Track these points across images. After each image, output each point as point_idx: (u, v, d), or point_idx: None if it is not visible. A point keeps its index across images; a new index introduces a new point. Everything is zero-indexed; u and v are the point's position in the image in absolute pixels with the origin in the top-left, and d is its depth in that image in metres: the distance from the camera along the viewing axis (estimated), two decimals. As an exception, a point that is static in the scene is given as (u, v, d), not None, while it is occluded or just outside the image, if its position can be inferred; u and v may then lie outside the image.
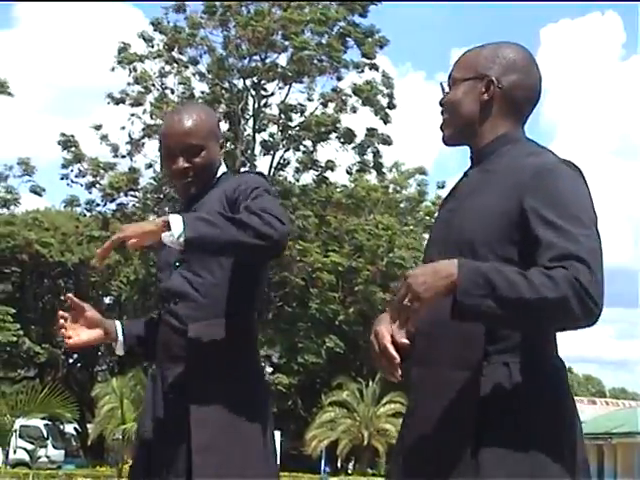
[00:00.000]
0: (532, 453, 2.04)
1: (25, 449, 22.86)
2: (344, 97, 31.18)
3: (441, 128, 2.32)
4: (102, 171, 31.17)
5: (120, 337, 2.88)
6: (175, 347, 2.69)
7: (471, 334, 2.10)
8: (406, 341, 2.13)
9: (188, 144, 2.75)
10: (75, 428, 33.72)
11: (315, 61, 30.62)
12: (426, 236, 33.71)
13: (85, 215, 33.14)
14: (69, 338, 2.84)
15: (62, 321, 2.85)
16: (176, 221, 2.45)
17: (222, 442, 2.59)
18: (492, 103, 2.27)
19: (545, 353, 2.18)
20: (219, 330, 2.67)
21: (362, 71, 31.21)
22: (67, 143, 31.13)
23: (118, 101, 30.80)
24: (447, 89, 2.34)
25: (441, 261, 2.02)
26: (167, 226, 2.45)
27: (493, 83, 2.25)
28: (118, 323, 2.91)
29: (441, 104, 2.32)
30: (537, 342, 2.15)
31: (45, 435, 28.58)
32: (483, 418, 2.06)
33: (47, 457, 27.01)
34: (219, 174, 2.88)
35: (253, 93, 31.49)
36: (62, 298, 35.50)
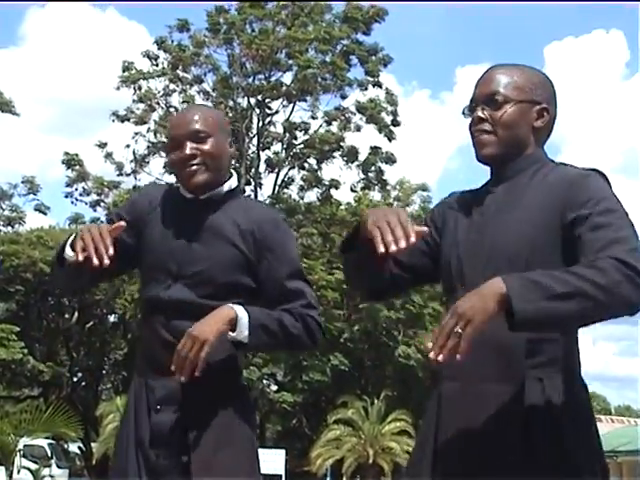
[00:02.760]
0: (570, 466, 2.08)
1: (29, 469, 22.75)
2: (348, 115, 31.26)
3: (482, 143, 2.32)
4: (106, 189, 31.23)
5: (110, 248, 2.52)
6: (165, 361, 2.57)
7: (511, 348, 2.12)
8: (425, 228, 2.17)
9: (195, 130, 2.70)
10: (79, 447, 33.64)
11: (319, 79, 30.72)
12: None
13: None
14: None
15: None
16: (243, 324, 2.53)
17: (222, 459, 2.57)
18: (541, 131, 2.34)
19: (575, 369, 2.22)
20: (214, 347, 2.62)
21: (366, 89, 31.31)
22: (71, 162, 31.22)
23: (123, 119, 30.90)
24: (479, 105, 2.33)
25: (484, 284, 2.00)
26: (234, 324, 2.52)
27: (548, 112, 2.33)
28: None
29: (492, 120, 2.31)
30: (568, 358, 2.18)
31: (49, 454, 28.48)
32: (526, 432, 2.08)
33: (51, 477, 26.87)
34: (231, 185, 2.82)
35: (257, 111, 31.57)
36: (66, 316, 35.58)
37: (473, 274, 2.23)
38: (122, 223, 2.57)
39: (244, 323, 2.52)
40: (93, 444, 33.34)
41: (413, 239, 2.06)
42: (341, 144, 31.17)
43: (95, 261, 2.45)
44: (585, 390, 2.23)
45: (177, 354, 2.48)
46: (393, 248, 2.06)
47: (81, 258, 2.48)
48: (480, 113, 2.31)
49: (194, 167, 2.70)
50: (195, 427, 2.58)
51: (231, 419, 2.63)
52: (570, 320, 2.00)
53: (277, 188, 31.81)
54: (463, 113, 2.39)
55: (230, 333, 2.51)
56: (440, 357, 1.94)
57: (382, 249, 2.06)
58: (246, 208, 2.78)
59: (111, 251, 2.45)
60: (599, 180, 2.22)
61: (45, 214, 33.77)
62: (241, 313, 2.53)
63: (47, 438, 24.92)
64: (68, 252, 2.62)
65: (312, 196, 32.26)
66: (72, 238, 2.63)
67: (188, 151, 2.69)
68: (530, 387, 2.12)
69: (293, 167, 32.06)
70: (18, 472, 22.33)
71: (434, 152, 77.21)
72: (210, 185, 2.74)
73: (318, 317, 2.71)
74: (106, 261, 2.44)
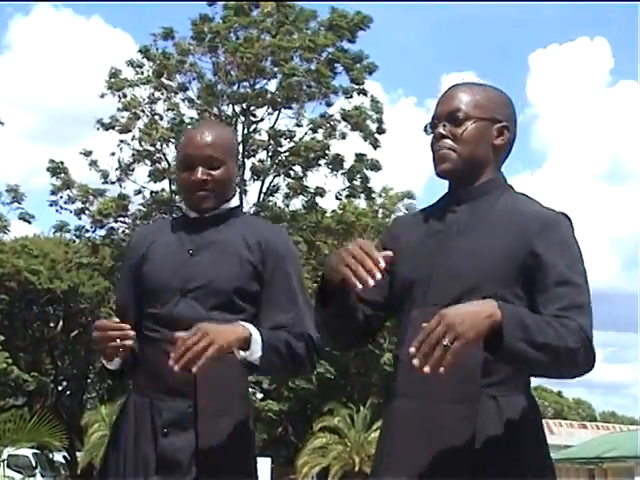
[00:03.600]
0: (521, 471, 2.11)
1: (13, 479, 22.66)
2: (333, 123, 31.27)
3: (442, 157, 2.33)
4: (91, 197, 31.12)
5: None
6: (174, 380, 2.54)
7: (469, 367, 2.12)
8: (389, 252, 2.14)
9: (209, 156, 2.71)
10: (64, 456, 33.51)
11: (304, 87, 30.73)
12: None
13: (74, 241, 33.05)
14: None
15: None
16: (256, 345, 2.52)
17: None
18: (500, 149, 2.35)
19: (526, 387, 2.26)
20: (223, 365, 2.57)
21: (351, 96, 31.33)
22: (56, 170, 31.10)
23: (107, 127, 30.82)
24: (439, 122, 2.35)
25: (476, 302, 2.03)
26: (247, 344, 2.50)
27: (508, 130, 2.35)
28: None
29: (452, 136, 2.32)
30: (520, 376, 2.22)
31: (34, 464, 28.34)
32: (478, 451, 2.10)
33: (36, 486, 26.80)
34: (235, 203, 2.84)
35: (242, 119, 31.55)
36: (51, 325, 35.43)
37: (431, 295, 2.24)
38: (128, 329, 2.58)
39: (257, 344, 2.50)
40: (78, 453, 33.19)
41: (382, 264, 2.06)
42: (326, 152, 31.17)
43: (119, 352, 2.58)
44: (536, 406, 2.27)
45: (181, 341, 2.38)
46: (370, 282, 2.04)
47: (114, 366, 2.67)
48: (441, 130, 2.33)
49: (203, 193, 2.72)
50: (204, 451, 2.53)
51: (238, 441, 2.61)
52: (533, 368, 2.08)
53: (262, 196, 31.79)
54: (425, 130, 2.40)
55: (242, 352, 2.49)
56: (426, 369, 1.92)
57: (359, 285, 2.05)
58: (251, 223, 2.82)
59: (129, 333, 2.55)
60: (569, 228, 2.26)
61: (29, 223, 33.54)
62: (255, 334, 2.51)
63: (32, 448, 24.79)
64: (109, 366, 2.71)
65: (297, 204, 32.27)
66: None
67: (200, 176, 2.71)
68: (484, 405, 2.14)
69: (278, 175, 32.04)
70: (2, 482, 22.23)
71: (420, 159, 77.33)
72: (215, 207, 2.77)
73: (315, 334, 2.64)
74: (129, 342, 2.55)
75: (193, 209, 2.77)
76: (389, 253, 2.14)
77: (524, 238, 2.19)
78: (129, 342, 2.54)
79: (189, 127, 3.63)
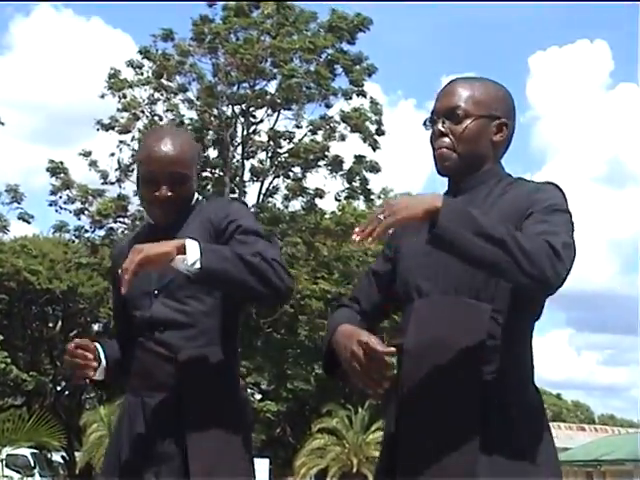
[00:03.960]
0: (527, 465, 2.14)
1: (12, 478, 22.67)
2: (333, 124, 31.28)
3: (442, 157, 2.36)
4: (91, 197, 31.13)
5: (103, 361, 2.80)
6: (161, 375, 2.64)
7: (469, 355, 2.16)
8: (393, 349, 2.17)
9: (175, 172, 2.70)
10: (63, 456, 33.51)
11: (304, 88, 30.74)
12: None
13: (74, 241, 33.07)
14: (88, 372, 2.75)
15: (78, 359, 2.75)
16: (193, 247, 2.44)
17: (221, 471, 2.57)
18: (499, 145, 2.38)
19: (528, 374, 2.29)
20: (209, 357, 2.65)
21: (350, 98, 31.34)
22: (55, 170, 31.11)
23: (107, 128, 30.83)
24: (440, 118, 2.37)
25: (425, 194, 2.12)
26: (182, 249, 2.44)
27: (507, 127, 2.38)
28: (99, 345, 2.80)
29: (452, 134, 2.35)
30: (522, 364, 2.25)
31: (32, 464, 28.33)
32: (483, 435, 2.13)
33: (34, 486, 26.79)
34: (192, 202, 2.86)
35: (242, 120, 31.56)
36: (50, 325, 35.44)
37: (428, 285, 2.29)
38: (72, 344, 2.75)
39: (194, 246, 2.45)
40: (76, 453, 33.21)
41: (390, 373, 2.13)
42: (326, 153, 31.18)
43: (88, 372, 2.71)
44: (538, 393, 2.29)
45: (124, 269, 2.44)
46: (379, 392, 2.13)
47: (82, 378, 2.75)
48: (441, 127, 2.36)
49: (166, 210, 2.73)
50: (194, 443, 2.57)
51: (229, 433, 2.63)
52: (482, 261, 2.07)
53: (261, 197, 31.80)
54: (424, 124, 2.42)
55: (179, 257, 2.44)
56: (357, 238, 2.07)
57: (371, 392, 2.14)
58: (202, 208, 2.80)
59: (90, 356, 2.70)
60: (553, 189, 2.29)
61: (29, 223, 33.57)
62: (190, 241, 2.47)
63: (30, 447, 24.78)
64: (96, 378, 2.79)
65: (297, 205, 32.28)
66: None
67: (164, 193, 2.70)
68: (488, 393, 2.16)
69: (278, 176, 32.05)
70: (1, 482, 22.23)
71: (419, 161, 77.36)
72: (178, 217, 2.78)
73: (280, 258, 2.57)
74: (94, 364, 2.71)
75: (154, 222, 2.81)
76: (391, 350, 2.15)
77: (518, 214, 2.23)
78: (90, 373, 2.71)
79: (148, 133, 3.53)
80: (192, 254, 2.43)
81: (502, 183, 2.35)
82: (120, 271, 2.47)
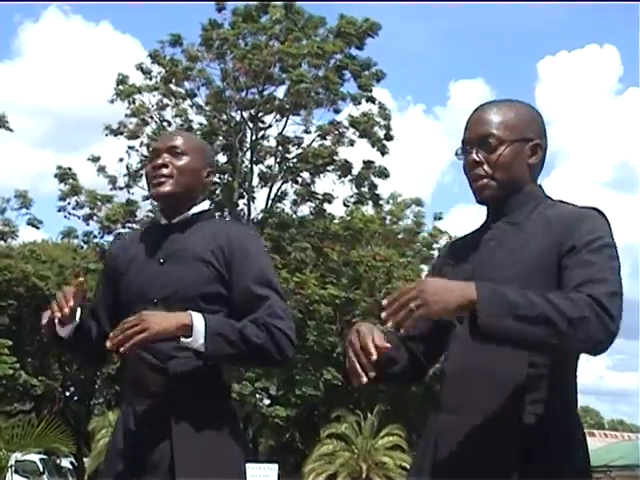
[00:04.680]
0: None
1: (21, 484, 22.66)
2: (341, 129, 31.29)
3: (481, 187, 2.32)
4: (99, 203, 31.20)
5: (77, 321, 2.78)
6: (151, 384, 2.65)
7: (511, 383, 2.13)
8: (388, 345, 2.14)
9: (173, 145, 2.80)
10: (71, 462, 33.48)
11: (312, 94, 30.76)
12: (424, 267, 33.73)
13: (82, 247, 33.11)
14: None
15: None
16: (199, 330, 2.53)
17: (207, 478, 2.57)
18: (535, 166, 2.35)
19: (572, 402, 2.25)
20: (199, 367, 2.65)
21: (359, 103, 31.34)
22: (64, 176, 31.19)
23: (116, 133, 30.89)
24: (472, 149, 2.34)
25: (458, 282, 2.03)
26: (189, 330, 2.53)
27: (541, 148, 2.35)
28: (79, 308, 2.79)
29: (488, 163, 2.31)
30: (565, 392, 2.21)
31: (41, 470, 28.34)
32: (523, 468, 2.09)
33: (43, 492, 26.79)
34: (204, 207, 2.88)
35: (251, 125, 31.59)
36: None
37: None
38: (80, 279, 2.72)
39: (200, 330, 2.53)
40: (85, 459, 33.19)
41: (375, 357, 2.10)
42: (334, 158, 31.18)
43: (57, 314, 2.67)
44: (581, 427, 2.25)
45: (120, 324, 2.50)
46: (363, 380, 2.12)
47: (57, 312, 2.69)
48: (475, 156, 2.32)
49: (162, 179, 2.78)
50: (183, 452, 2.57)
51: (217, 441, 2.63)
52: (529, 343, 2.02)
53: (270, 202, 31.80)
54: (456, 154, 2.39)
55: (183, 339, 2.52)
56: (389, 324, 1.99)
57: (354, 383, 2.15)
58: (217, 226, 2.83)
59: (71, 303, 2.65)
60: (598, 219, 2.23)
61: (38, 228, 33.70)
62: (197, 321, 2.54)
63: (39, 453, 24.82)
64: (60, 332, 2.79)
65: (305, 210, 32.30)
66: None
67: (161, 160, 2.78)
68: (527, 423, 2.13)
69: (286, 181, 32.06)
70: (10, 487, 22.25)
71: (428, 166, 77.35)
72: (174, 199, 2.80)
73: (287, 329, 2.66)
74: (65, 311, 2.65)
75: (153, 197, 2.83)
76: (387, 345, 2.14)
77: (554, 242, 2.19)
78: (56, 313, 2.67)
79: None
80: (197, 337, 2.53)
81: (542, 205, 2.32)
82: (119, 328, 2.51)
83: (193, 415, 2.61)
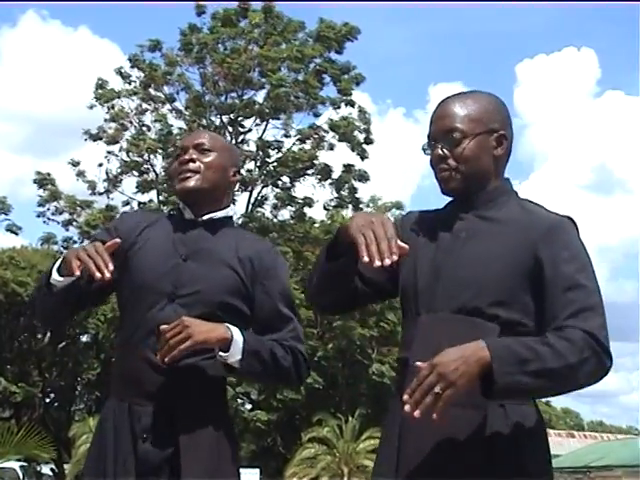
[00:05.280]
0: None
1: (1, 491, 22.53)
2: (321, 133, 31.32)
3: (446, 180, 2.33)
4: (79, 209, 31.08)
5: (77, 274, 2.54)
6: (152, 384, 2.58)
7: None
8: (406, 247, 2.13)
9: (201, 142, 2.79)
10: (52, 469, 33.32)
11: (292, 98, 30.77)
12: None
13: (62, 253, 32.97)
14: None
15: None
16: (237, 347, 2.53)
17: None
18: (501, 158, 2.35)
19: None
20: (203, 370, 2.61)
21: (339, 107, 31.39)
22: (43, 181, 31.05)
23: (95, 138, 30.79)
24: (437, 142, 2.34)
25: (467, 345, 2.04)
26: (227, 344, 2.52)
27: (506, 138, 2.35)
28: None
29: (452, 157, 2.32)
30: None
31: (21, 477, 28.23)
32: (487, 457, 2.12)
33: (23, 499, 26.66)
34: (228, 212, 2.84)
35: (230, 130, 31.56)
36: (38, 337, 35.27)
37: (436, 301, 2.26)
38: (117, 240, 2.57)
39: (238, 346, 2.52)
40: (66, 465, 33.01)
41: (395, 257, 2.07)
42: (314, 162, 31.21)
43: (97, 275, 2.41)
44: (540, 415, 2.29)
45: (163, 333, 2.45)
46: (377, 263, 2.05)
47: (77, 273, 2.44)
48: (439, 151, 2.33)
49: (188, 173, 2.74)
50: (185, 456, 2.53)
51: (219, 446, 2.61)
52: (538, 394, 2.14)
53: (250, 206, 31.78)
54: (423, 150, 2.41)
55: (221, 354, 2.50)
56: (416, 413, 1.98)
57: (366, 259, 2.06)
58: (243, 236, 2.82)
59: (111, 266, 2.44)
60: (574, 231, 2.27)
61: (17, 234, 33.54)
62: (237, 336, 2.53)
63: (19, 460, 24.69)
64: (56, 277, 2.60)
65: (285, 214, 32.29)
66: (59, 262, 2.61)
67: (188, 156, 2.76)
68: (493, 413, 2.16)
69: (266, 185, 32.06)
70: (-11, 495, 22.10)
71: (408, 169, 77.50)
72: (200, 195, 2.75)
73: (305, 352, 2.73)
74: (107, 275, 2.42)
75: (178, 192, 2.78)
76: (406, 247, 2.13)
77: (529, 244, 2.21)
78: (98, 275, 2.43)
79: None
80: (235, 353, 2.53)
81: (511, 202, 2.33)
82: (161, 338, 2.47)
83: (197, 419, 2.58)
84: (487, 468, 2.11)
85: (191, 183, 2.74)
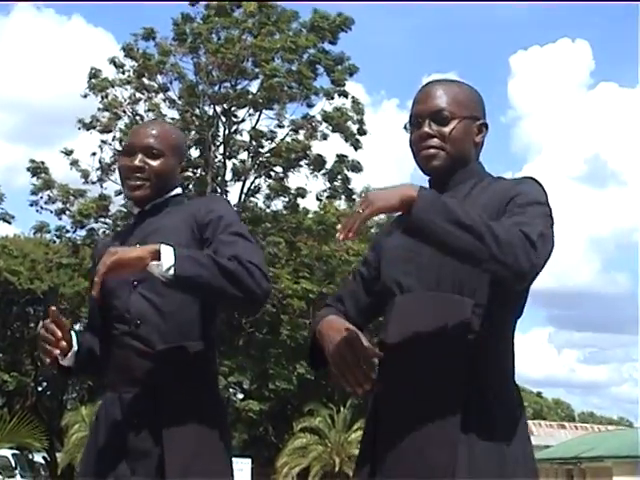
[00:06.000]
0: (505, 460, 2.16)
1: (-7, 479, 22.54)
2: (314, 124, 31.29)
3: (431, 156, 2.39)
4: (72, 198, 31.03)
5: (75, 346, 2.78)
6: (137, 371, 2.64)
7: (449, 350, 2.19)
8: (379, 353, 2.21)
9: (149, 145, 2.79)
10: (44, 457, 33.39)
11: (285, 88, 30.74)
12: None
13: (55, 242, 32.94)
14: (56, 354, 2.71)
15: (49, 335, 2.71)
16: (167, 253, 2.46)
17: (197, 467, 2.59)
18: (479, 145, 2.45)
19: (510, 372, 2.31)
20: (186, 353, 2.66)
21: (332, 98, 31.37)
22: (37, 170, 30.98)
23: (88, 127, 30.74)
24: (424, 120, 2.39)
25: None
26: (157, 255, 2.46)
27: (487, 128, 2.45)
28: (73, 333, 2.79)
29: (438, 136, 2.38)
30: (502, 359, 2.28)
31: (13, 465, 28.20)
32: (463, 429, 2.15)
33: (15, 487, 26.67)
34: (176, 191, 2.90)
35: (224, 120, 31.53)
36: (31, 325, 35.27)
37: (410, 280, 2.31)
38: (52, 308, 2.73)
39: (168, 253, 2.47)
40: (58, 454, 33.09)
41: (374, 376, 2.18)
42: (307, 153, 31.19)
43: (49, 361, 2.71)
44: (517, 390, 2.31)
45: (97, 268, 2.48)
46: (359, 391, 2.17)
47: (49, 359, 2.71)
48: (427, 129, 2.38)
49: (138, 182, 2.79)
50: (171, 440, 2.58)
51: (206, 430, 2.64)
52: (455, 249, 2.09)
53: (243, 197, 31.77)
54: (405, 128, 2.46)
55: (152, 263, 2.46)
56: (341, 236, 2.09)
57: (351, 390, 2.19)
58: (187, 204, 2.86)
59: (58, 333, 2.68)
60: (532, 183, 2.33)
61: (10, 223, 33.47)
62: (165, 246, 2.49)
63: (11, 448, 24.69)
64: (64, 363, 2.79)
65: (278, 205, 32.28)
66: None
67: (137, 162, 2.79)
68: (467, 387, 2.18)
69: (259, 176, 32.04)
70: (-19, 483, 22.11)
71: (402, 160, 77.50)
72: (149, 200, 2.83)
73: (259, 263, 2.58)
74: (62, 344, 2.69)
75: (128, 197, 2.86)
76: (379, 355, 2.22)
77: (497, 208, 2.26)
78: (56, 352, 2.68)
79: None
80: (166, 260, 2.45)
81: (483, 182, 2.39)
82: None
83: (181, 402, 2.61)
84: (465, 448, 2.14)
85: (142, 193, 2.80)
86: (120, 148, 30.69)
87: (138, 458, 2.61)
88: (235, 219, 2.78)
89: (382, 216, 39.13)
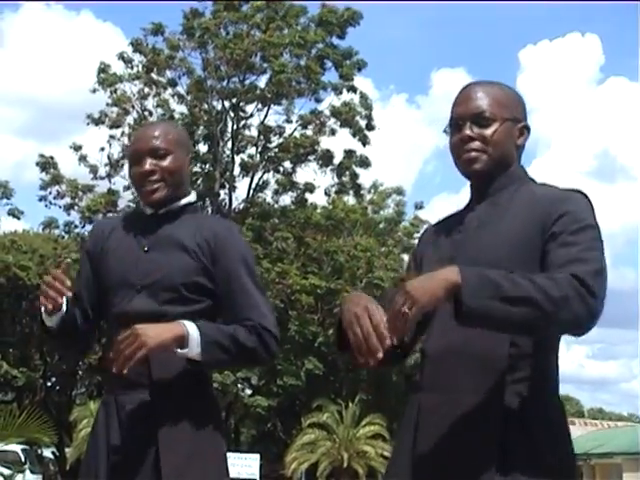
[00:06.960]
0: None
1: (2, 474, 22.60)
2: (323, 119, 31.27)
3: (473, 159, 2.32)
4: (81, 193, 31.08)
5: (63, 308, 2.73)
6: (133, 374, 2.59)
7: (492, 362, 2.14)
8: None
9: (155, 146, 2.77)
10: (53, 452, 33.40)
11: (294, 83, 30.72)
12: (405, 256, 33.80)
13: (64, 237, 32.99)
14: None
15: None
16: (194, 341, 2.55)
17: (193, 468, 2.59)
18: (521, 148, 2.38)
19: (552, 385, 2.25)
20: (180, 357, 2.63)
21: (340, 93, 31.34)
22: (46, 165, 31.04)
23: (97, 122, 30.77)
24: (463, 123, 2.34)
25: (437, 270, 2.03)
26: (182, 340, 2.54)
27: (528, 130, 2.38)
28: (65, 298, 2.73)
29: (480, 139, 2.32)
30: (546, 374, 2.22)
31: (22, 460, 28.25)
32: (503, 445, 2.09)
33: (24, 482, 26.73)
34: (190, 200, 2.88)
35: (232, 115, 31.53)
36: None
37: None
38: (67, 260, 2.65)
39: (195, 340, 2.55)
40: (67, 449, 33.14)
41: (388, 342, 2.03)
42: (316, 148, 31.18)
43: (49, 307, 2.65)
44: (561, 405, 2.25)
45: (117, 344, 2.49)
46: (371, 362, 2.04)
47: (50, 307, 2.66)
48: (469, 131, 2.32)
49: (154, 185, 2.77)
50: (166, 441, 2.59)
51: (201, 431, 2.65)
52: (514, 325, 2.02)
53: (252, 192, 31.78)
54: (445, 131, 2.40)
55: (179, 350, 2.53)
56: (387, 341, 1.98)
57: (361, 361, 2.06)
58: (202, 220, 2.85)
59: (68, 282, 2.62)
60: (581, 200, 2.24)
61: (19, 218, 33.54)
62: (192, 330, 2.56)
63: (20, 443, 24.73)
64: (46, 319, 2.75)
65: (287, 200, 32.30)
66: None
67: (147, 167, 2.76)
68: (509, 401, 2.14)
69: (268, 171, 32.04)
70: (-9, 478, 22.16)
71: (410, 155, 77.44)
72: (168, 199, 2.80)
73: (273, 327, 2.71)
74: (68, 293, 2.63)
75: (147, 203, 2.82)
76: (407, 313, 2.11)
77: (535, 222, 2.20)
78: (60, 300, 2.64)
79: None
80: (193, 347, 2.55)
81: (526, 187, 2.32)
82: (115, 350, 2.50)
83: (176, 406, 2.62)
84: (501, 458, 2.09)
85: (159, 195, 2.78)
86: (128, 143, 30.72)
87: (134, 459, 2.61)
88: (252, 264, 2.82)
89: (390, 210, 39.07)
